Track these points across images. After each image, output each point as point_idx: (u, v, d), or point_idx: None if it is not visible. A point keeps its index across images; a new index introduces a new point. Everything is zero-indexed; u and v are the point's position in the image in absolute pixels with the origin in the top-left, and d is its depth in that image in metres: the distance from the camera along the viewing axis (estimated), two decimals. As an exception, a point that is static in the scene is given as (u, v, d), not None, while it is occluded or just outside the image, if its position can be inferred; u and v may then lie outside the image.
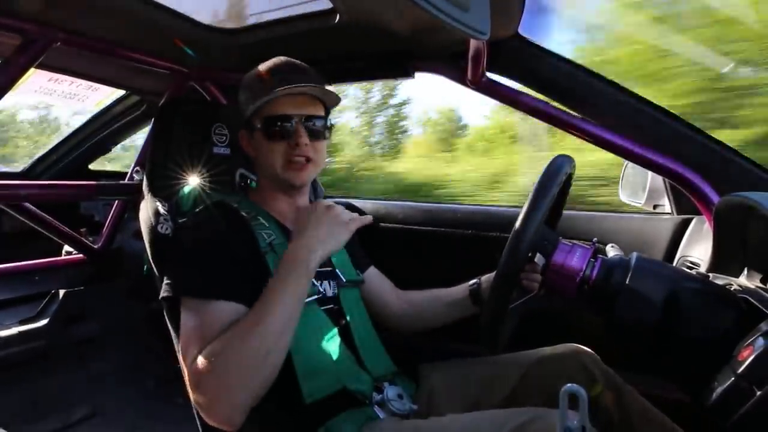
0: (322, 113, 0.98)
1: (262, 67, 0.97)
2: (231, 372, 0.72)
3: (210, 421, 0.74)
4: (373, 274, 1.15)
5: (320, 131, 0.96)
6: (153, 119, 1.17)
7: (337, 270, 1.01)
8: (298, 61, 0.98)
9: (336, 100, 0.98)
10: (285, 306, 0.76)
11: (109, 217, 1.82)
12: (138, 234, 1.11)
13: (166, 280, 0.88)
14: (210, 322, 0.78)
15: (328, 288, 0.97)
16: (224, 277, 0.83)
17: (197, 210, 0.96)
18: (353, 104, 7.91)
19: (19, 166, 2.16)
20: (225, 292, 0.81)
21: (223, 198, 0.99)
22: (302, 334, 0.82)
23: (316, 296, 0.92)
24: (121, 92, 1.88)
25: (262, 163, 0.99)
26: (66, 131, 2.14)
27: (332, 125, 1.00)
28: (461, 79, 1.17)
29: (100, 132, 2.08)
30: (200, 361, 0.74)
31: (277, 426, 0.86)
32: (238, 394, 0.72)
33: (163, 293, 0.87)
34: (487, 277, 1.06)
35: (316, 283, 0.94)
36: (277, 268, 0.81)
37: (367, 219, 0.91)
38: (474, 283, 1.06)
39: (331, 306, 0.95)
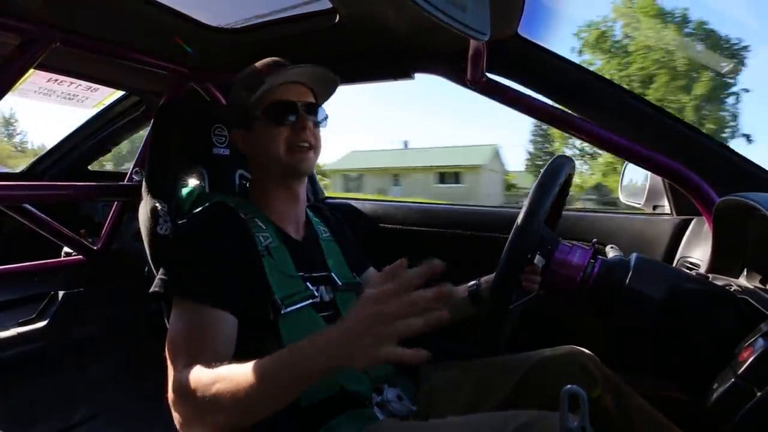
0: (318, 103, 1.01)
1: (258, 63, 1.00)
2: (209, 409, 0.69)
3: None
4: (372, 275, 1.14)
5: (320, 119, 0.99)
6: (152, 120, 1.17)
7: (332, 274, 1.01)
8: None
9: (330, 91, 1.02)
10: (285, 388, 0.67)
11: (109, 218, 1.81)
12: (138, 235, 1.11)
13: (161, 276, 0.89)
14: (198, 330, 0.79)
15: (324, 293, 0.96)
16: (219, 283, 0.83)
17: (196, 211, 0.96)
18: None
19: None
20: (218, 299, 0.81)
21: (221, 199, 0.98)
22: (298, 339, 0.82)
23: (311, 300, 0.92)
24: (120, 93, 1.89)
25: (262, 154, 0.98)
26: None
27: (327, 116, 1.01)
28: (461, 79, 1.17)
29: (100, 133, 2.08)
30: (183, 380, 0.73)
31: (276, 428, 0.86)
32: (210, 427, 0.72)
33: (155, 288, 0.88)
34: (486, 279, 1.05)
35: (311, 287, 0.94)
36: (302, 343, 0.68)
37: (421, 354, 0.57)
38: (473, 285, 1.06)
39: (329, 312, 0.94)
